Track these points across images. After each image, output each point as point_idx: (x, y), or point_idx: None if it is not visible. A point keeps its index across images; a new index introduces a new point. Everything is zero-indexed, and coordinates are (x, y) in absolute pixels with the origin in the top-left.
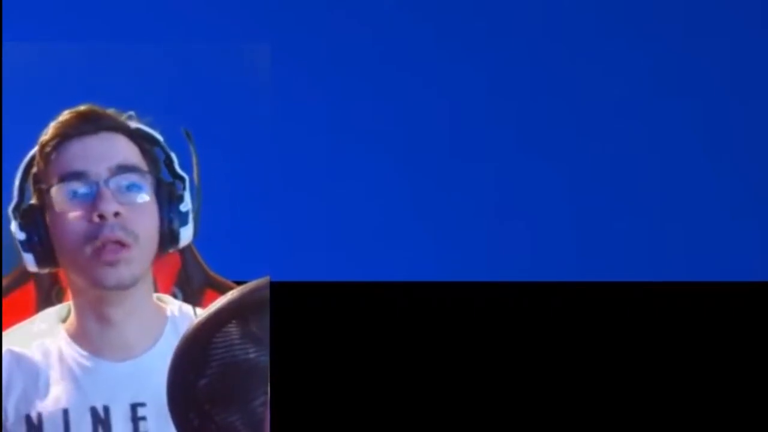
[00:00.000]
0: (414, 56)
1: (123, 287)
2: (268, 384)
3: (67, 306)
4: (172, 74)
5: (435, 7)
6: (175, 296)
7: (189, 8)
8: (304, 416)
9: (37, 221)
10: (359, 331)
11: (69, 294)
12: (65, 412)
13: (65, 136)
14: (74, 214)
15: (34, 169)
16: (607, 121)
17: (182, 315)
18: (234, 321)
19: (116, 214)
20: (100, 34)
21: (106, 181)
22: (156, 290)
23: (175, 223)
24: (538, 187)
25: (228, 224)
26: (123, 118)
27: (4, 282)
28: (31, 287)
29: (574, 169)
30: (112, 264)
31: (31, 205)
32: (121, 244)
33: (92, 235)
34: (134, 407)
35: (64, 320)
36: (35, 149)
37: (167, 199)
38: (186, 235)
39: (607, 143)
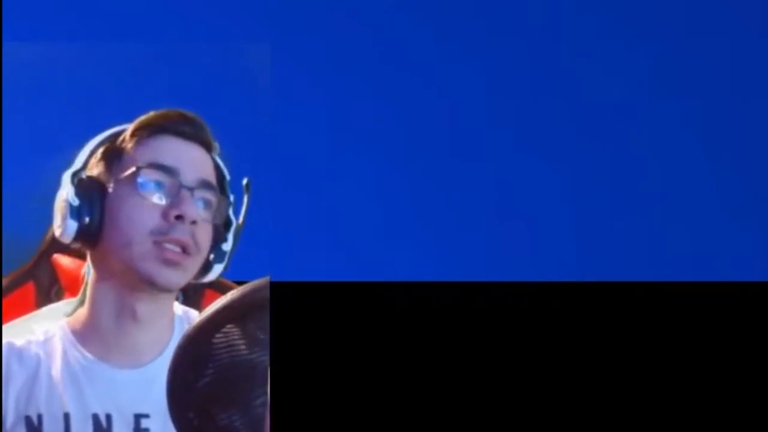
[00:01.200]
0: (414, 56)
1: (168, 290)
2: (268, 384)
3: (72, 302)
4: (172, 74)
5: (435, 7)
6: (175, 296)
7: (189, 8)
8: (304, 416)
9: (96, 194)
10: (359, 331)
11: (72, 292)
12: (66, 416)
13: (164, 128)
14: (152, 204)
15: (110, 146)
16: (607, 121)
17: (187, 321)
18: (234, 321)
19: (193, 222)
20: (100, 34)
21: (192, 189)
22: None
23: (213, 258)
24: (538, 187)
25: None
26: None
27: (4, 282)
28: (30, 287)
29: (574, 169)
30: (170, 264)
31: (94, 178)
32: (185, 250)
33: (162, 230)
34: (137, 418)
35: (68, 315)
36: (116, 129)
37: (217, 232)
38: (216, 271)
39: (607, 143)
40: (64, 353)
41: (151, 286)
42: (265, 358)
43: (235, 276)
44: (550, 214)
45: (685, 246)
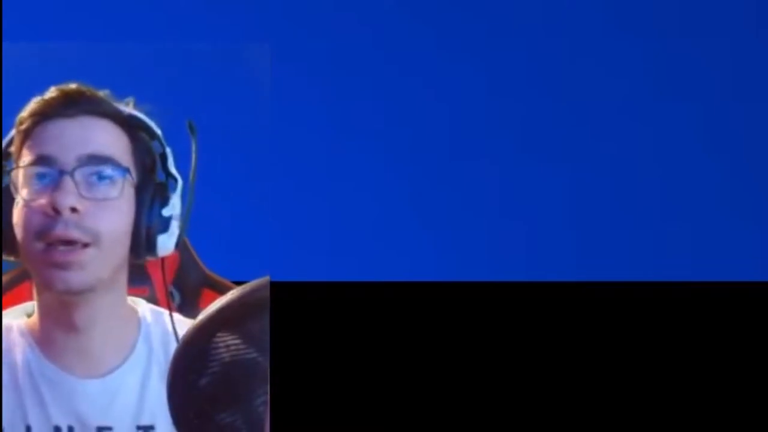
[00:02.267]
0: (414, 56)
1: (73, 293)
2: (268, 384)
3: (32, 304)
4: (172, 74)
5: (435, 7)
6: (172, 296)
7: (189, 8)
8: (304, 416)
9: (6, 206)
10: (359, 331)
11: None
12: (28, 428)
13: (44, 115)
14: (33, 204)
15: (12, 148)
16: (608, 121)
17: (155, 323)
18: (234, 321)
19: (73, 210)
20: (100, 34)
21: (72, 171)
22: (153, 291)
23: (153, 229)
24: (538, 187)
25: (228, 224)
26: (118, 103)
27: (3, 280)
28: (29, 286)
29: (574, 169)
30: (61, 266)
31: (6, 188)
32: (74, 245)
33: (45, 230)
34: (100, 430)
35: (29, 315)
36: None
37: (150, 199)
38: (165, 243)
39: (607, 143)
40: (27, 362)
41: (53, 292)
42: (265, 358)
43: (235, 276)
44: (550, 214)
45: (686, 246)
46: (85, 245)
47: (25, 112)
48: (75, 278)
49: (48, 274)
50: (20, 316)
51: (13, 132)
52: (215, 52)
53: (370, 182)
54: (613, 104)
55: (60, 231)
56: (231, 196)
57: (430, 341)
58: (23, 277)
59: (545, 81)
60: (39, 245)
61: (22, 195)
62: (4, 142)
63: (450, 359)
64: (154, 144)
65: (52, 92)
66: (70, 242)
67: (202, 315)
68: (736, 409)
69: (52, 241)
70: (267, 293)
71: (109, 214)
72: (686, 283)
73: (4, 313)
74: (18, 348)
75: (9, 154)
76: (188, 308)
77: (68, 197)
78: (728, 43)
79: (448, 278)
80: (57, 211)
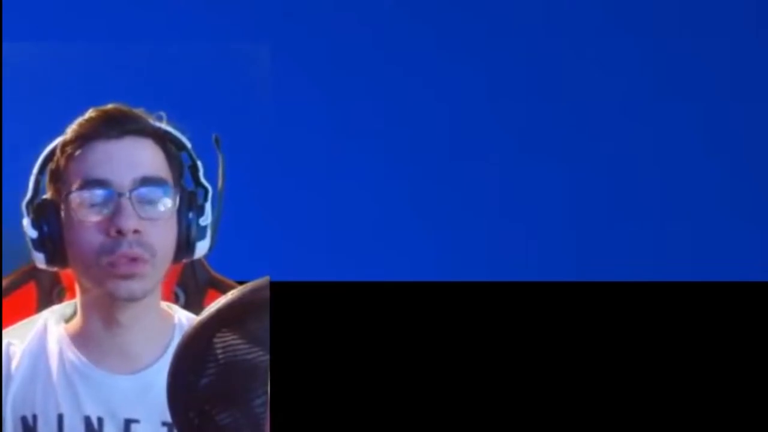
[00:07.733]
0: (414, 56)
1: (134, 299)
2: (268, 384)
3: (72, 304)
4: (171, 74)
5: (435, 8)
6: (177, 296)
7: (189, 8)
8: (304, 416)
9: (51, 220)
10: (359, 331)
11: (73, 292)
12: (60, 417)
13: (89, 137)
14: (92, 224)
15: (52, 165)
16: (608, 121)
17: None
18: (234, 321)
19: (135, 231)
20: (101, 34)
21: (129, 193)
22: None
23: (193, 237)
24: (538, 188)
25: (228, 224)
26: (151, 118)
27: (5, 282)
28: (32, 287)
29: (575, 169)
30: (125, 278)
31: (45, 201)
32: (139, 259)
33: (109, 249)
34: (128, 423)
35: (67, 320)
36: (54, 144)
37: (187, 210)
38: (202, 247)
39: (607, 143)
40: (61, 356)
41: (116, 299)
42: (265, 358)
43: (235, 276)
44: (550, 214)
45: (686, 246)
46: (145, 260)
47: (70, 135)
48: (138, 287)
49: (113, 285)
50: (58, 321)
51: (51, 148)
52: (215, 52)
53: (370, 182)
54: (613, 104)
55: (126, 250)
56: (231, 196)
57: (430, 341)
58: (25, 279)
59: (545, 81)
60: (102, 261)
61: (77, 216)
62: (42, 158)
63: (450, 359)
64: (184, 155)
65: (92, 113)
66: (133, 258)
67: (202, 315)
68: (736, 408)
69: (116, 259)
70: (267, 293)
71: (162, 231)
72: (686, 283)
73: (43, 313)
74: (54, 343)
75: (47, 170)
76: (193, 309)
77: (130, 220)
78: (728, 43)
79: (448, 278)
80: (121, 233)
